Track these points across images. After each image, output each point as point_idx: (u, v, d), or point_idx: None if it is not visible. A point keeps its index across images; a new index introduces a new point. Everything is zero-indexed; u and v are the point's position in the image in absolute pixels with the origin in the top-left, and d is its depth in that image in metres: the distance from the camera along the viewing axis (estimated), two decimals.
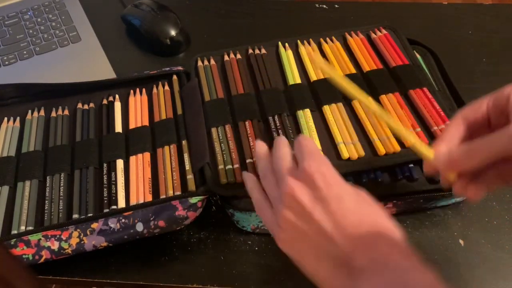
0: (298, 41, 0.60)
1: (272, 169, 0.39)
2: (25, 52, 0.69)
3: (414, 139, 0.38)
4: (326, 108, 0.52)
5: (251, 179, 0.42)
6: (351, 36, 0.60)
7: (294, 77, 0.56)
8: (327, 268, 0.33)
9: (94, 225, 0.46)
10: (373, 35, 0.60)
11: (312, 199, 0.34)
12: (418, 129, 0.49)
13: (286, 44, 0.60)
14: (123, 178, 0.51)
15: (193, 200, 0.46)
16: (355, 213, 0.34)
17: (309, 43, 0.60)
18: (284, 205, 0.35)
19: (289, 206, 0.35)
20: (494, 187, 0.36)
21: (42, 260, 0.46)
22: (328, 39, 0.60)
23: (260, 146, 0.42)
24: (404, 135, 0.40)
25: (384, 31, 0.60)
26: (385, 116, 0.40)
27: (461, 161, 0.34)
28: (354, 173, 0.48)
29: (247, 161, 0.48)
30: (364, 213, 0.34)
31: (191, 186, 0.48)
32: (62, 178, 0.51)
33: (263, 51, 0.59)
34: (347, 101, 0.53)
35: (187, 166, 0.50)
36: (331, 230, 0.33)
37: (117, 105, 0.57)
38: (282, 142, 0.40)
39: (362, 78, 0.55)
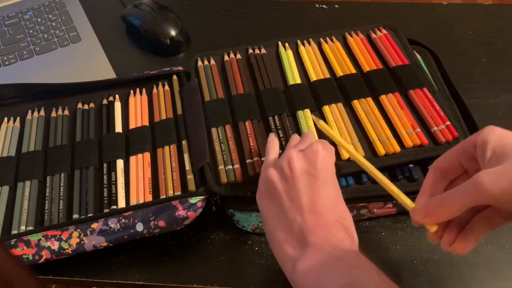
0: (298, 41, 0.60)
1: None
2: (25, 52, 0.69)
3: (398, 192, 0.39)
4: (326, 109, 0.52)
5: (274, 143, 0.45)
6: (351, 36, 0.60)
7: (294, 77, 0.56)
8: (285, 231, 0.37)
9: (94, 225, 0.46)
10: (373, 35, 0.60)
11: (304, 171, 0.38)
12: (418, 130, 0.49)
13: (286, 44, 0.60)
14: (123, 178, 0.51)
15: (193, 200, 0.46)
16: (331, 200, 0.38)
17: (309, 43, 0.60)
18: (277, 165, 0.40)
19: (280, 166, 0.39)
20: (483, 235, 0.36)
21: (42, 260, 0.46)
22: (328, 39, 0.60)
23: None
24: (390, 187, 0.40)
25: (384, 31, 0.60)
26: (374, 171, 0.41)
27: (435, 212, 0.35)
28: (354, 173, 0.48)
29: (247, 161, 0.48)
30: (337, 203, 0.38)
31: (191, 186, 0.48)
32: (62, 178, 0.51)
33: (263, 51, 0.59)
34: (347, 102, 0.53)
35: (187, 166, 0.50)
36: (305, 203, 0.37)
37: (117, 105, 0.57)
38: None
39: (362, 78, 0.55)
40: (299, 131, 0.51)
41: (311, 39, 0.60)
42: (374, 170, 0.41)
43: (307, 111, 0.52)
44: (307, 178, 0.38)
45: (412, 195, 0.48)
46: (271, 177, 0.39)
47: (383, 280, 0.33)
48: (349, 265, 0.34)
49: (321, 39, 0.60)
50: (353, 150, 0.44)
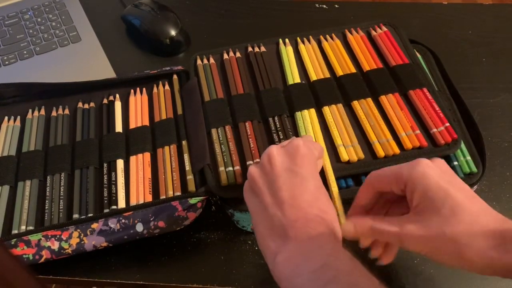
0: (298, 39, 0.60)
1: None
2: (25, 52, 0.69)
3: (338, 206, 0.42)
4: (325, 110, 0.52)
5: None
6: (351, 33, 0.60)
7: (293, 76, 0.55)
8: (266, 225, 0.38)
9: (94, 225, 0.46)
10: (373, 33, 0.60)
11: (285, 167, 0.39)
12: (417, 131, 0.49)
13: (287, 40, 0.59)
14: (123, 178, 0.51)
15: (193, 200, 0.46)
16: (311, 195, 0.38)
17: (308, 41, 0.60)
18: (259, 162, 0.41)
19: (262, 163, 0.40)
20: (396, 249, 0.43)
21: (42, 260, 0.46)
22: (328, 37, 0.60)
23: None
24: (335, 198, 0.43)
25: (384, 28, 0.60)
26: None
27: (362, 236, 0.40)
28: (353, 175, 0.48)
29: (248, 162, 0.48)
30: (319, 198, 0.39)
31: (191, 186, 0.48)
32: (62, 178, 0.51)
33: (263, 49, 0.59)
34: (347, 102, 0.53)
35: (187, 167, 0.50)
36: (286, 198, 0.37)
37: (118, 105, 0.57)
38: None
39: (362, 78, 0.55)
40: (297, 133, 0.51)
41: (311, 37, 0.60)
42: (332, 178, 0.45)
43: (307, 111, 0.52)
44: (287, 174, 0.38)
45: None
46: (252, 173, 0.40)
47: (356, 268, 0.34)
48: (325, 254, 0.35)
49: (321, 37, 0.60)
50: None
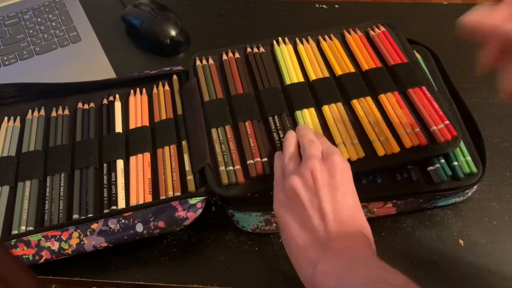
0: (297, 39, 0.60)
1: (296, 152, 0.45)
2: (25, 52, 0.69)
3: None
4: (325, 108, 0.52)
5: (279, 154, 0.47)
6: (349, 33, 0.60)
7: (291, 76, 0.55)
8: (306, 238, 0.38)
9: (94, 226, 0.46)
10: (371, 33, 0.60)
11: (326, 182, 0.40)
12: (417, 129, 0.49)
13: (286, 39, 0.59)
14: (123, 179, 0.51)
15: (193, 201, 0.46)
16: (351, 210, 0.40)
17: (307, 41, 0.60)
18: (299, 174, 0.41)
19: (303, 175, 0.40)
20: None
21: (42, 260, 0.46)
22: (326, 37, 0.60)
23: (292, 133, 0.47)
24: None
25: (382, 28, 0.60)
26: None
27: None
28: (353, 173, 0.48)
29: (248, 162, 0.48)
30: (358, 214, 0.40)
31: (191, 187, 0.48)
32: (62, 178, 0.51)
33: (262, 49, 0.59)
34: (346, 101, 0.53)
35: (187, 167, 0.50)
36: (328, 212, 0.38)
37: (117, 105, 0.57)
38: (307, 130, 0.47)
39: (361, 77, 0.55)
40: None
41: (309, 37, 0.60)
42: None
43: (306, 111, 0.52)
44: (328, 188, 0.40)
45: (411, 195, 0.48)
46: (294, 185, 0.40)
47: (409, 281, 0.34)
48: (375, 266, 0.35)
49: (319, 37, 0.60)
50: None
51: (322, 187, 0.39)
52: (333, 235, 0.37)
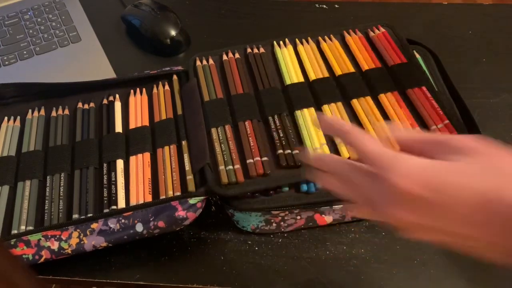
0: (296, 40, 0.60)
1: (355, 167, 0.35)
2: (25, 52, 0.69)
3: None
4: (325, 108, 0.52)
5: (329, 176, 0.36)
6: (349, 34, 0.60)
7: (291, 76, 0.55)
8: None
9: (94, 225, 0.46)
10: (371, 33, 0.60)
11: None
12: (417, 128, 0.49)
13: (286, 40, 0.60)
14: (123, 179, 0.51)
15: (193, 201, 0.46)
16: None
17: (307, 42, 0.60)
18: (398, 203, 0.32)
19: (403, 203, 0.32)
20: None
21: (42, 260, 0.46)
22: (326, 38, 0.60)
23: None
24: None
25: (382, 29, 0.60)
26: None
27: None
28: None
29: (248, 161, 0.48)
30: None
31: (191, 186, 0.48)
32: (62, 178, 0.51)
33: (262, 50, 0.59)
34: (347, 101, 0.53)
35: (187, 167, 0.50)
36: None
37: (117, 105, 0.57)
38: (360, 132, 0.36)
39: (361, 77, 0.55)
40: (298, 132, 0.51)
41: (309, 38, 0.60)
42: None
43: (306, 110, 0.52)
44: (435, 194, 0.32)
45: None
46: (407, 220, 0.32)
47: None
48: None
49: (319, 38, 0.60)
50: None
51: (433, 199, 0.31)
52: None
